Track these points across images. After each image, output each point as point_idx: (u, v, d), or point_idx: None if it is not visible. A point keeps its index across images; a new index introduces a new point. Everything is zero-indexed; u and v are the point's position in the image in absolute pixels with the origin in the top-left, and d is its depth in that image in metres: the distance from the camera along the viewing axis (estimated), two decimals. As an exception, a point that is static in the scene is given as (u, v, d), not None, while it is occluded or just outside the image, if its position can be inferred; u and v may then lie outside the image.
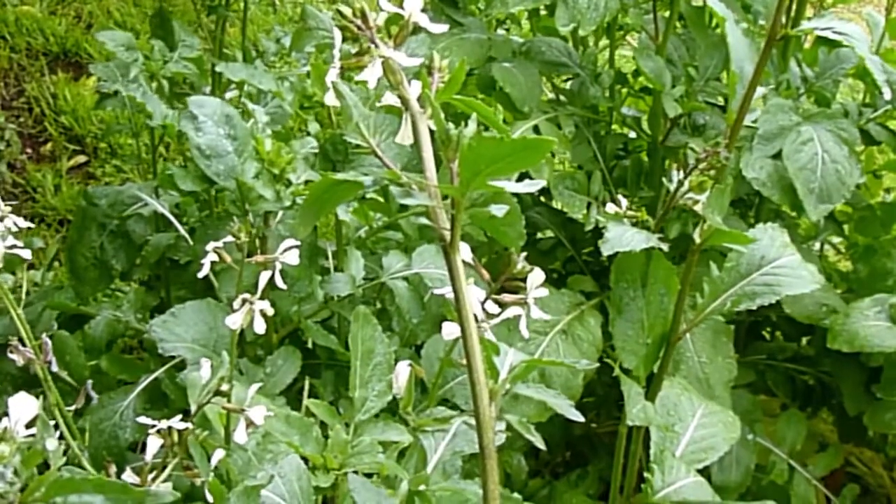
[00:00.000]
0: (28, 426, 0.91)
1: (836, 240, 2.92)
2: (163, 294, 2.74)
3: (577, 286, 2.43)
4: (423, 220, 1.07)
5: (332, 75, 1.06)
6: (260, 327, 1.45)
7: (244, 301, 1.45)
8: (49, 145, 4.40)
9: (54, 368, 1.42)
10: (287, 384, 2.02)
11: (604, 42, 2.74)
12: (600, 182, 2.39)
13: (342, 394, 2.24)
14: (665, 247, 1.60)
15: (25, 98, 4.52)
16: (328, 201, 1.07)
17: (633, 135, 2.73)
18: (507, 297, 1.22)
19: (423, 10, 1.06)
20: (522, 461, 2.57)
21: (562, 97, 2.63)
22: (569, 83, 2.62)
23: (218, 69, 2.23)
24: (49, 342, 1.41)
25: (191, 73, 2.61)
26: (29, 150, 4.37)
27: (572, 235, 2.61)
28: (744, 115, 1.60)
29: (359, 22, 1.09)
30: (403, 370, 1.40)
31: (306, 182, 1.98)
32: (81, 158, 4.38)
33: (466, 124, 1.00)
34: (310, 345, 2.32)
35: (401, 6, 1.09)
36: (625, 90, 2.62)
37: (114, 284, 3.00)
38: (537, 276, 1.19)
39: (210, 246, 1.48)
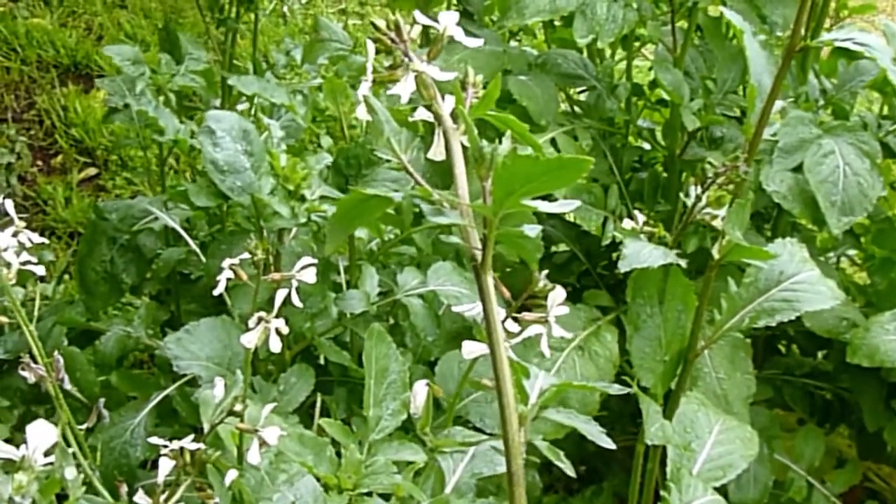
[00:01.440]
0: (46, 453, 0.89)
1: (851, 252, 2.89)
2: (173, 308, 2.71)
3: (592, 301, 2.40)
4: (443, 237, 1.04)
5: (364, 89, 1.04)
6: (276, 346, 1.42)
7: (259, 319, 1.42)
8: (59, 158, 4.38)
9: (67, 386, 1.40)
10: (300, 402, 1.99)
11: (619, 53, 2.72)
12: (617, 196, 2.36)
13: (355, 411, 2.21)
14: (683, 263, 1.57)
15: (36, 110, 4.51)
16: (357, 217, 1.05)
17: (647, 146, 2.70)
18: (527, 316, 1.19)
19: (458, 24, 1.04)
20: (537, 477, 2.53)
21: (577, 109, 2.60)
22: (584, 95, 2.59)
23: (230, 82, 2.21)
24: (61, 360, 1.39)
25: (198, 87, 2.59)
26: (39, 163, 4.35)
27: (587, 249, 2.58)
28: (763, 128, 1.57)
29: (393, 35, 1.07)
30: (421, 390, 1.37)
31: (321, 198, 1.96)
32: (92, 171, 4.36)
33: (499, 141, 0.98)
34: (322, 361, 2.30)
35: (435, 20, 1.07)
36: (640, 102, 2.59)
37: (124, 298, 2.97)
38: (558, 294, 1.16)
39: (226, 262, 1.45)
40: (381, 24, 1.10)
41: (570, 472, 1.14)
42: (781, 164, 2.15)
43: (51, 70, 4.67)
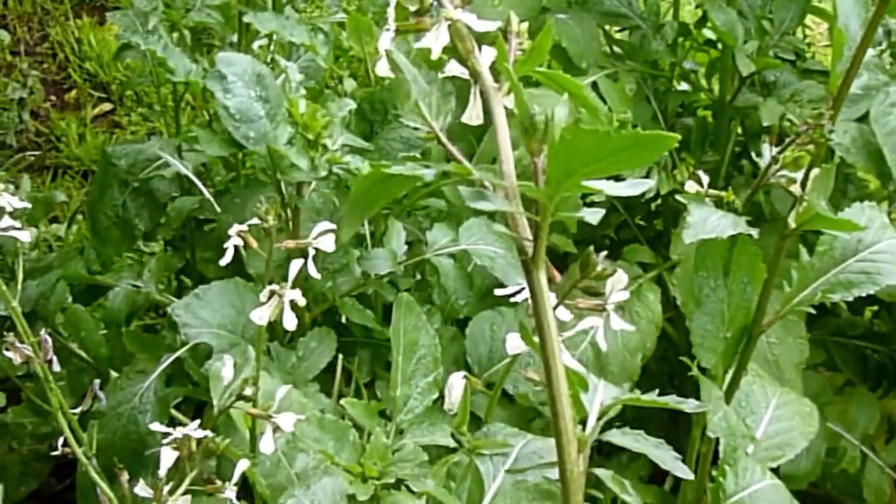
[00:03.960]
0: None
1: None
2: (188, 255, 2.57)
3: (633, 257, 2.24)
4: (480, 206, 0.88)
5: (386, 41, 0.87)
6: (291, 322, 1.27)
7: (272, 293, 1.27)
8: (73, 93, 4.24)
9: (55, 368, 1.25)
10: (321, 368, 1.85)
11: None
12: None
13: (379, 374, 2.07)
14: (755, 233, 1.39)
15: (49, 43, 4.36)
16: (378, 197, 0.88)
17: (690, 89, 2.52)
18: (582, 303, 1.02)
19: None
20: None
21: (616, 50, 2.42)
22: (627, 35, 2.40)
23: (246, 19, 2.04)
24: (49, 340, 1.24)
25: (215, 22, 2.42)
26: (53, 98, 4.22)
27: (626, 201, 2.41)
28: (851, 80, 1.39)
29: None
30: (458, 383, 1.21)
31: (342, 147, 1.80)
32: (107, 106, 4.22)
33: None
34: (343, 319, 2.14)
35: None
36: (687, 42, 2.40)
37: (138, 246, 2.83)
38: (620, 278, 1.00)
39: (234, 230, 1.29)
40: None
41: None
42: (844, 114, 1.96)
43: (64, 1, 4.50)
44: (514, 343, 1.04)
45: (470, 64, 0.87)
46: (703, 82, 2.49)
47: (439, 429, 1.45)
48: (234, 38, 2.55)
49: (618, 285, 1.01)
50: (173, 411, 2.04)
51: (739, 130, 2.43)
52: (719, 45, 2.34)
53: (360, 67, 2.05)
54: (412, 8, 0.94)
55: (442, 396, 1.53)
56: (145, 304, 2.23)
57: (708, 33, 2.42)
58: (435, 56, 0.85)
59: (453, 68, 0.91)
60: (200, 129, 1.84)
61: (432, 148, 2.02)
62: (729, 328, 1.52)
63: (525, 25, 0.96)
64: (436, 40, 0.84)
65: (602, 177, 0.75)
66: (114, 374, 2.08)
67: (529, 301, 0.82)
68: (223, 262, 1.29)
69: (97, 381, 1.34)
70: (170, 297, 2.21)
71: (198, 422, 1.28)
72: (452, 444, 1.45)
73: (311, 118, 1.71)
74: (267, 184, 1.84)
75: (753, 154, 2.17)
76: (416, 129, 0.87)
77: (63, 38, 4.34)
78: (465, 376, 1.20)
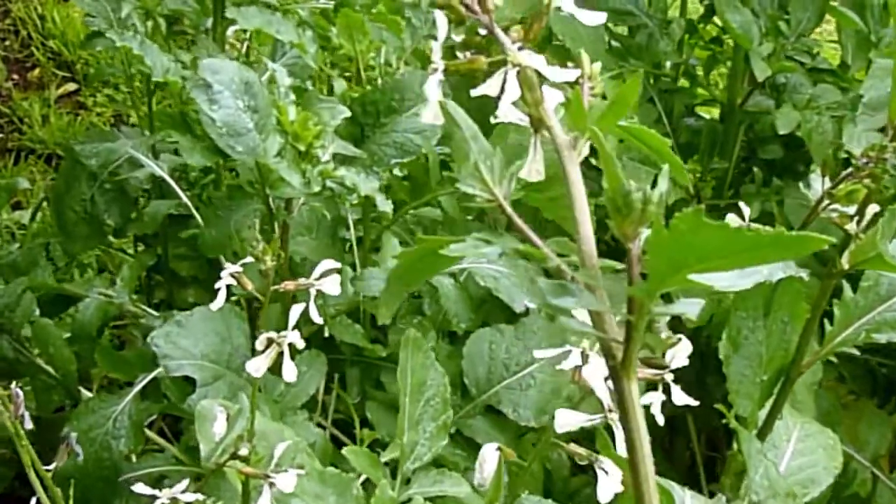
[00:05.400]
0: None
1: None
2: (160, 251, 2.43)
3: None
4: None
5: (434, 86, 0.73)
6: (290, 374, 1.14)
7: (270, 341, 1.13)
8: (36, 71, 4.08)
9: (28, 425, 1.11)
10: (310, 395, 1.72)
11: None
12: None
13: (369, 394, 1.94)
14: (805, 274, 1.27)
15: (11, 20, 4.19)
16: (424, 271, 0.76)
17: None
18: (640, 373, 0.89)
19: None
20: (563, 456, 2.28)
21: (614, 44, 2.28)
22: (627, 31, 2.27)
23: (229, 14, 1.89)
24: (21, 394, 1.11)
25: (191, 11, 2.27)
26: (15, 77, 4.06)
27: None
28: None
29: (470, 1, 0.76)
30: (491, 456, 1.07)
31: (334, 156, 1.66)
32: (71, 86, 4.07)
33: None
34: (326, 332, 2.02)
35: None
36: (692, 40, 2.28)
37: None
38: (684, 347, 0.87)
39: (226, 271, 1.16)
40: (449, -18, 0.79)
41: None
42: (867, 123, 1.85)
43: (27, -24, 4.33)
44: (565, 419, 0.92)
45: (537, 115, 0.73)
46: (702, 78, 2.37)
47: (449, 477, 1.34)
48: (209, 23, 2.40)
49: (681, 355, 0.89)
50: (149, 433, 1.91)
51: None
52: (726, 43, 2.23)
53: (352, 66, 1.91)
54: (456, 37, 0.80)
55: (451, 438, 1.42)
56: (117, 313, 2.09)
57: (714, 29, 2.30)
58: (502, 115, 0.71)
59: (506, 113, 0.77)
60: (180, 136, 1.70)
61: (429, 156, 1.90)
62: (766, 370, 1.41)
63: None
64: (499, 89, 0.71)
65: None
66: (84, 392, 1.95)
67: (607, 402, 0.69)
68: (214, 306, 1.15)
69: (74, 435, 1.20)
70: (144, 308, 2.07)
71: (186, 483, 1.16)
72: (462, 494, 1.34)
73: (302, 127, 1.57)
74: (252, 195, 1.71)
75: (762, 159, 2.06)
76: (472, 194, 0.74)
77: (25, 14, 4.17)
78: (500, 448, 1.08)
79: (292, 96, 1.63)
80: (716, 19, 2.28)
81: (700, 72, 2.28)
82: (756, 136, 2.21)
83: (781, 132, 1.98)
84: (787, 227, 2.02)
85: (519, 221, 0.71)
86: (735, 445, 1.41)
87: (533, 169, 0.78)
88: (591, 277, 0.66)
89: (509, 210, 0.72)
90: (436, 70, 0.76)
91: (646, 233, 0.74)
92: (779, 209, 2.01)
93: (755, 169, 2.15)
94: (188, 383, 1.79)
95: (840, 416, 2.17)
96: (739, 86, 2.14)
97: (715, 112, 2.54)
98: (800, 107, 1.99)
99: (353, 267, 1.99)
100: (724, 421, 1.36)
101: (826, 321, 1.42)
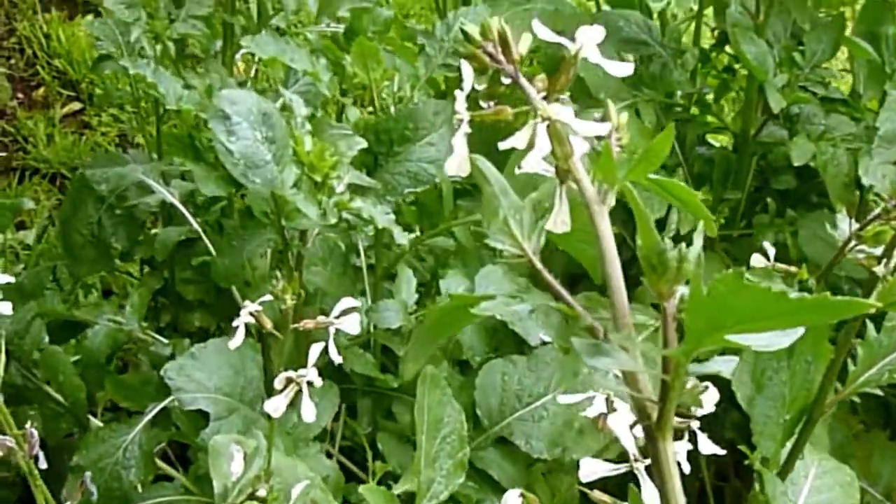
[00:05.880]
0: None
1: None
2: (166, 274, 2.42)
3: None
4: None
5: (461, 140, 0.72)
6: (309, 414, 1.13)
7: (289, 381, 1.12)
8: (41, 90, 4.08)
9: (42, 465, 1.10)
10: (322, 427, 1.71)
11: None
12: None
13: (380, 425, 1.93)
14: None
15: (16, 38, 4.19)
16: (452, 325, 0.75)
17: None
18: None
19: None
20: (576, 487, 2.27)
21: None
22: (643, 62, 2.26)
23: (243, 43, 1.89)
24: (35, 434, 1.09)
25: (200, 35, 2.27)
26: (20, 96, 4.05)
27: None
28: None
29: (495, 50, 0.76)
30: (514, 502, 1.06)
31: (348, 186, 1.65)
32: (76, 105, 4.06)
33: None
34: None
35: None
36: (704, 69, 2.27)
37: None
38: (711, 395, 0.86)
39: (245, 311, 1.15)
40: (474, 31, 0.78)
41: None
42: (882, 157, 1.84)
43: (32, -5, 4.33)
44: (592, 468, 0.91)
45: (565, 167, 0.72)
46: (714, 106, 2.36)
47: (465, 516, 1.32)
48: (218, 45, 2.40)
49: (708, 403, 0.87)
50: (160, 463, 1.89)
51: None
52: (738, 72, 2.22)
53: (367, 95, 1.90)
54: (479, 86, 0.79)
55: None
56: (127, 340, 2.08)
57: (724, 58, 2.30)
58: (530, 167, 0.70)
59: (533, 165, 0.77)
60: (193, 164, 1.69)
61: (443, 185, 1.89)
62: (789, 410, 1.39)
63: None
64: (528, 143, 0.70)
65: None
66: (93, 420, 1.93)
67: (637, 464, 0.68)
68: (232, 345, 1.14)
69: (88, 474, 1.19)
70: (153, 335, 2.06)
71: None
72: (479, 533, 1.32)
73: (319, 158, 1.56)
74: (266, 225, 1.70)
75: (776, 189, 2.05)
76: (502, 249, 0.73)
77: (31, 32, 4.17)
78: (523, 494, 1.06)
79: (308, 126, 1.62)
80: (728, 48, 2.28)
81: (711, 99, 2.28)
82: (769, 166, 2.20)
83: (796, 164, 1.97)
84: (801, 258, 2.01)
85: (549, 277, 0.70)
86: (757, 486, 1.40)
87: (559, 221, 0.77)
88: (626, 338, 0.65)
89: (539, 265, 0.71)
90: (461, 121, 0.76)
91: (681, 290, 0.73)
92: (793, 240, 2.00)
93: (768, 199, 2.14)
94: (199, 413, 1.78)
95: (853, 448, 2.16)
96: (753, 116, 2.13)
97: (723, 138, 2.53)
98: (813, 138, 1.99)
99: (363, 292, 1.98)
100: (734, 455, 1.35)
101: (849, 360, 1.41)
